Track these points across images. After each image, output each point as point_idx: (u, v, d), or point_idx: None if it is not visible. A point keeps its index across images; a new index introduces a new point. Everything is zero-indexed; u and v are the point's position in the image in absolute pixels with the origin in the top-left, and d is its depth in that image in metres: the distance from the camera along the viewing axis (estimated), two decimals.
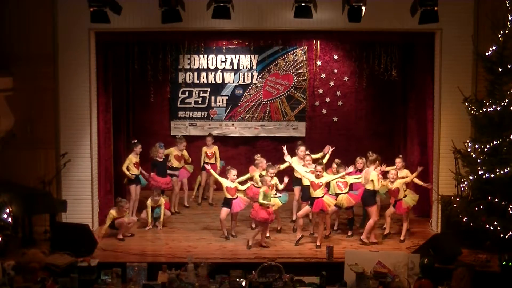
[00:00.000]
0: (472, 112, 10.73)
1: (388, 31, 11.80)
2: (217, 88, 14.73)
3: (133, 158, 12.47)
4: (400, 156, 12.10)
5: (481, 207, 10.35)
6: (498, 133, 10.46)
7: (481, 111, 10.57)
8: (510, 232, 10.09)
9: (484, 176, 10.40)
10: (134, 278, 9.29)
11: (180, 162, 13.20)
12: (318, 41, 14.52)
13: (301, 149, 12.09)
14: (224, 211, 11.35)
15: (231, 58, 14.67)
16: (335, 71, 14.74)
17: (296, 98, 14.77)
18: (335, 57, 14.72)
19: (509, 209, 10.20)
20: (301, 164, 11.68)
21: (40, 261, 9.41)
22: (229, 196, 11.33)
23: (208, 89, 14.73)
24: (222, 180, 11.48)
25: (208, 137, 13.58)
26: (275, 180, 11.33)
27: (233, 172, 11.41)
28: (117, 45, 12.93)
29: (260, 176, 11.46)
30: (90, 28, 11.21)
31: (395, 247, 10.91)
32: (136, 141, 12.87)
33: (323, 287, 9.14)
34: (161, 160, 12.73)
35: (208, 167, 12.20)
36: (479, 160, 10.51)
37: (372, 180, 11.06)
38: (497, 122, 10.47)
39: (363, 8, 9.98)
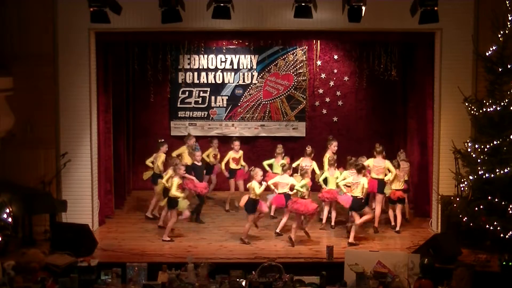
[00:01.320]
0: (472, 112, 10.73)
1: (388, 31, 11.81)
2: (217, 88, 14.73)
3: (162, 156, 12.54)
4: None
5: (481, 207, 10.34)
6: (498, 133, 10.45)
7: (481, 111, 10.57)
8: (510, 232, 10.08)
9: (484, 176, 10.40)
10: (134, 278, 9.29)
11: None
12: (318, 41, 14.53)
13: (334, 144, 12.41)
14: (252, 215, 11.21)
15: (231, 58, 14.67)
16: (335, 71, 14.74)
17: (296, 98, 14.77)
18: (335, 57, 14.73)
19: (509, 209, 10.20)
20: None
21: (40, 261, 9.43)
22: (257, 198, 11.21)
23: (208, 89, 14.73)
24: (258, 188, 11.09)
25: (236, 141, 13.25)
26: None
27: (260, 172, 11.26)
28: (117, 45, 12.91)
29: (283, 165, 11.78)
30: (90, 28, 11.20)
31: (395, 247, 10.91)
32: (163, 140, 12.91)
33: (323, 287, 9.14)
34: (199, 164, 12.55)
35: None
36: (479, 160, 10.51)
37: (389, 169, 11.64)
38: (497, 122, 10.47)
39: (363, 8, 9.97)
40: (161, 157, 12.52)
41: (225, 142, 14.35)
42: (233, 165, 13.11)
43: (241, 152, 13.21)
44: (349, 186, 11.35)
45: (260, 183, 11.06)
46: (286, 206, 11.37)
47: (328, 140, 12.67)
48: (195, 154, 12.52)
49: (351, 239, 10.98)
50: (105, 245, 10.86)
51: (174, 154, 12.71)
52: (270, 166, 12.70)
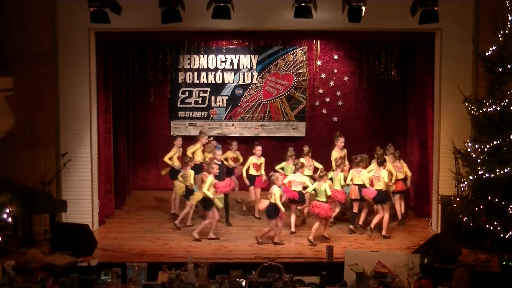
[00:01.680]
0: (472, 112, 10.73)
1: (388, 31, 11.81)
2: (217, 88, 14.73)
3: (176, 151, 12.59)
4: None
5: (481, 207, 10.34)
6: (498, 133, 10.45)
7: (481, 111, 10.57)
8: (510, 232, 10.08)
9: (484, 176, 10.40)
10: (134, 278, 9.29)
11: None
12: (318, 41, 14.53)
13: (341, 140, 12.45)
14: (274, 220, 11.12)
15: (231, 58, 14.67)
16: (335, 71, 14.74)
17: (296, 98, 14.77)
18: (335, 57, 14.73)
19: (509, 209, 10.20)
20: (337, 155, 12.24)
21: (40, 261, 9.43)
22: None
23: (208, 89, 14.73)
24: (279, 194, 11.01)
25: (258, 147, 12.59)
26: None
27: (280, 177, 11.24)
28: (117, 45, 12.91)
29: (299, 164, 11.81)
30: (90, 28, 11.20)
31: (395, 247, 10.91)
32: (175, 134, 12.86)
33: (323, 287, 9.14)
34: (219, 162, 12.02)
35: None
36: (479, 160, 10.51)
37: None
38: (497, 122, 10.47)
39: (363, 8, 9.96)
40: (173, 151, 12.56)
41: (225, 142, 14.36)
42: (253, 171, 12.50)
43: (262, 159, 12.63)
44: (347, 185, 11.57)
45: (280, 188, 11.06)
46: (299, 202, 11.69)
47: (335, 136, 12.65)
48: (216, 153, 12.09)
49: (384, 232, 11.38)
50: (105, 245, 10.86)
51: (189, 152, 12.49)
52: (282, 169, 12.47)
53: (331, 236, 11.43)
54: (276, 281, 9.01)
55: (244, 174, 12.49)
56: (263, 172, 12.54)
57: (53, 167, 11.41)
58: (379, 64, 14.34)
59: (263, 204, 11.25)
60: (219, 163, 11.98)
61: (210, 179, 11.17)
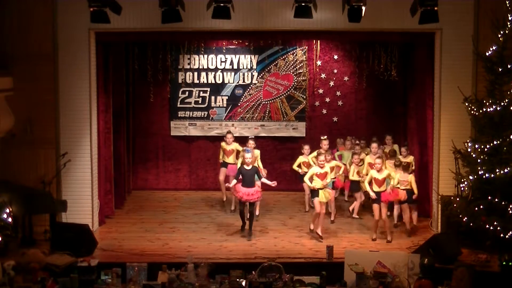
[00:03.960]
0: (472, 112, 10.73)
1: (388, 31, 11.79)
2: (217, 88, 14.74)
3: (301, 157, 12.67)
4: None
5: (481, 207, 10.34)
6: (498, 133, 10.45)
7: (481, 111, 10.57)
8: (510, 232, 10.08)
9: (484, 176, 10.40)
10: (134, 278, 9.30)
11: (229, 157, 12.84)
12: (318, 41, 14.54)
13: (374, 146, 12.47)
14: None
15: (231, 58, 14.68)
16: (335, 71, 14.75)
17: (296, 98, 14.77)
18: (335, 57, 14.73)
19: (509, 209, 10.20)
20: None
21: (40, 261, 9.43)
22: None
23: (208, 89, 14.73)
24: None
25: (306, 146, 12.61)
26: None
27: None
28: (117, 45, 12.91)
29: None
30: (90, 28, 11.20)
31: (395, 247, 10.91)
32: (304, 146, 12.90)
33: (323, 287, 9.15)
34: (248, 168, 11.37)
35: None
36: (479, 160, 10.51)
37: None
38: (497, 122, 10.46)
39: (363, 8, 9.97)
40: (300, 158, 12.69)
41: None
42: (374, 187, 11.34)
43: (386, 172, 11.48)
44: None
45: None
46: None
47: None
48: (244, 157, 11.46)
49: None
50: (105, 245, 10.86)
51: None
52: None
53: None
54: (276, 281, 9.02)
55: (368, 189, 11.42)
56: (387, 186, 11.42)
57: (53, 167, 11.42)
58: (379, 64, 14.37)
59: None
60: (249, 168, 11.38)
61: (312, 169, 11.30)
